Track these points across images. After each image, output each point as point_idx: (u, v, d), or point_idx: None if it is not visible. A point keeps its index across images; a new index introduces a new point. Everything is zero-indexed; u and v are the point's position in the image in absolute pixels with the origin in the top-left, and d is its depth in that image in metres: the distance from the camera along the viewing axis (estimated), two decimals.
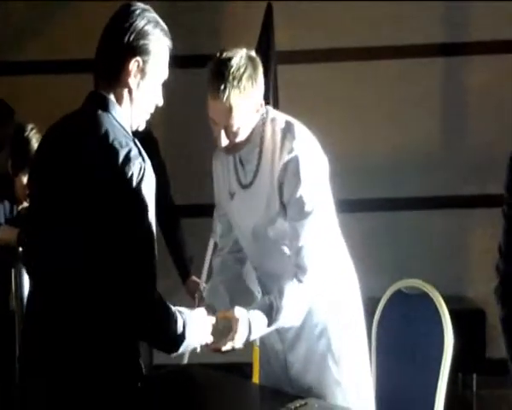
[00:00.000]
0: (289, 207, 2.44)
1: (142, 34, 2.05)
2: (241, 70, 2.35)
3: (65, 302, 2.00)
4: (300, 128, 2.51)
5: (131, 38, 2.04)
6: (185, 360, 3.93)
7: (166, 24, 2.13)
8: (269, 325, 2.42)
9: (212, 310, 2.41)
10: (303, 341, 2.56)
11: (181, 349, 2.09)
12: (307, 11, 5.01)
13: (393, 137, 5.01)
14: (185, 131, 4.87)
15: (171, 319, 2.03)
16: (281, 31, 4.42)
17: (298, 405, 2.42)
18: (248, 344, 2.54)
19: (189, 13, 5.03)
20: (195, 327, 2.12)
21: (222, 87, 2.33)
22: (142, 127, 2.16)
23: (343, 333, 2.58)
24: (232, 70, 2.34)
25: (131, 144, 1.99)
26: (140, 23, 2.05)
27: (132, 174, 1.94)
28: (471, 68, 5.07)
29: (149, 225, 1.99)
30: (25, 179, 3.52)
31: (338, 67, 5.04)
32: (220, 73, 2.35)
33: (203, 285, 3.86)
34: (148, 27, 2.07)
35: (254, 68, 2.40)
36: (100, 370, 1.99)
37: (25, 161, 3.46)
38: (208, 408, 2.58)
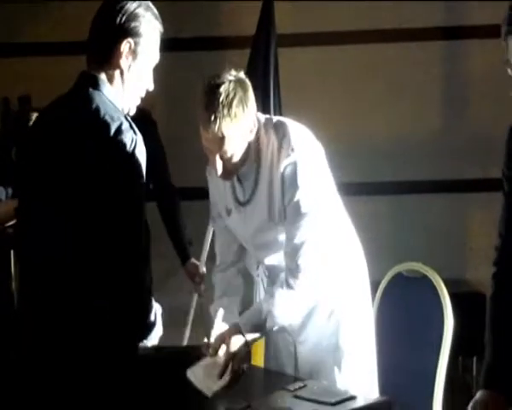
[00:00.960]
0: (287, 210, 2.44)
1: (133, 16, 2.07)
2: (230, 96, 2.32)
3: (56, 284, 1.99)
4: (293, 127, 2.48)
5: (123, 20, 2.06)
6: (185, 342, 3.94)
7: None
8: (262, 330, 2.45)
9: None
10: (311, 324, 2.57)
11: (148, 337, 2.11)
12: None
13: (395, 120, 4.99)
14: (183, 113, 4.86)
15: (151, 305, 2.05)
16: (281, 13, 4.39)
17: (297, 386, 2.44)
18: None
19: None
20: (160, 319, 2.14)
21: (212, 118, 2.31)
22: (132, 112, 2.15)
23: (352, 316, 2.59)
24: (221, 99, 2.32)
25: (122, 118, 2.00)
26: (131, 6, 2.07)
27: (124, 146, 1.94)
28: (472, 52, 5.04)
29: (141, 195, 1.99)
30: None
31: (339, 51, 5.01)
32: (209, 103, 2.33)
33: (203, 268, 3.86)
34: (140, 10, 2.08)
35: (244, 91, 2.37)
36: (93, 356, 1.97)
37: None
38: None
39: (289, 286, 2.43)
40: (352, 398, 2.38)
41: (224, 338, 2.40)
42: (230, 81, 2.35)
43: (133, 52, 2.07)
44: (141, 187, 1.99)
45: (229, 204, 2.57)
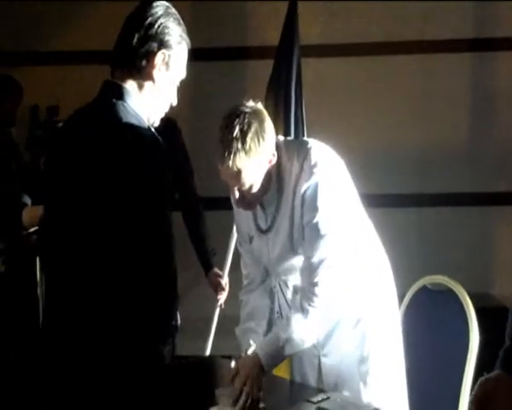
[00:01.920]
0: (305, 230, 2.42)
1: (167, 29, 2.10)
2: (245, 130, 2.30)
3: (82, 292, 2.00)
4: (314, 148, 2.45)
5: (158, 32, 2.08)
6: (207, 352, 3.93)
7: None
8: (280, 357, 2.44)
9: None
10: (336, 336, 2.55)
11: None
12: (333, 5, 4.98)
13: (420, 132, 4.97)
14: (208, 122, 4.86)
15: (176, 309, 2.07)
16: (305, 24, 4.39)
17: (320, 398, 2.42)
18: None
19: (214, 8, 5.02)
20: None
21: (226, 153, 2.30)
22: (156, 123, 2.16)
23: (378, 328, 2.57)
24: (235, 133, 2.30)
25: (147, 131, 2.02)
26: (164, 19, 2.10)
27: (149, 159, 1.96)
28: (499, 64, 5.02)
29: (167, 206, 2.00)
30: None
31: (364, 61, 5.00)
32: (224, 137, 2.32)
33: (225, 278, 3.85)
34: (172, 24, 2.12)
35: (260, 122, 2.35)
36: (119, 359, 1.98)
37: None
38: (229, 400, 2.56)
39: (304, 311, 2.42)
40: None
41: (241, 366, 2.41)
42: (246, 113, 2.33)
43: (166, 64, 2.10)
44: (166, 197, 1.99)
45: (251, 231, 2.57)
